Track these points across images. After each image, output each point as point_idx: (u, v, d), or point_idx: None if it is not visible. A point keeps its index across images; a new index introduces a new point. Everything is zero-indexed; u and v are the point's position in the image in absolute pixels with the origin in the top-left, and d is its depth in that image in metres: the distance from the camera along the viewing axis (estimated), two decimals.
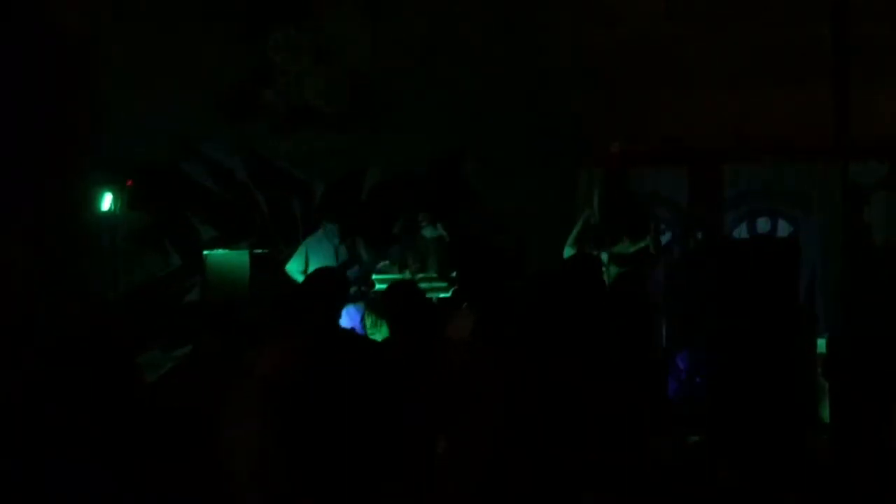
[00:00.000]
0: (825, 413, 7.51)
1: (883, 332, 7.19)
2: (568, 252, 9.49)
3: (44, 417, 4.91)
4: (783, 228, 11.71)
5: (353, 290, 9.87)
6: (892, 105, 11.22)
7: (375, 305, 9.76)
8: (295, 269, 10.67)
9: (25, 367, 5.42)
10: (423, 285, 9.08)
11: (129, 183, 11.63)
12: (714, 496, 6.45)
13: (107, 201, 11.47)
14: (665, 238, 10.54)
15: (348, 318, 9.38)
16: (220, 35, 12.26)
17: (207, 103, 12.25)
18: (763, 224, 11.71)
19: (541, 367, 5.57)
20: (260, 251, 11.40)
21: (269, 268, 11.10)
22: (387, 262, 11.09)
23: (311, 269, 10.09)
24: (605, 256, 9.31)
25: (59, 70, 11.55)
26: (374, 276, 10.77)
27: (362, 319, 9.73)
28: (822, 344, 7.78)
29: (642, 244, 9.17)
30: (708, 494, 6.46)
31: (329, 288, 6.01)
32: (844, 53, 9.21)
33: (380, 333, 7.30)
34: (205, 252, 11.28)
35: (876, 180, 11.24)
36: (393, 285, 6.74)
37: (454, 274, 10.55)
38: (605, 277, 8.37)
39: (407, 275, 10.60)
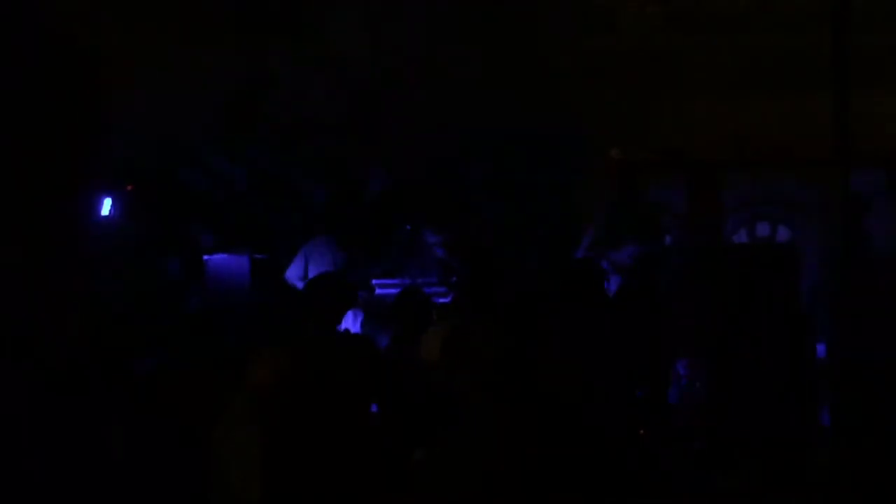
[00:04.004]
0: (825, 419, 7.51)
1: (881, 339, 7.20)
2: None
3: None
4: (783, 234, 11.71)
5: None
6: (892, 113, 11.23)
7: (377, 311, 9.78)
8: (294, 275, 10.66)
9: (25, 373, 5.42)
10: None
11: (129, 188, 11.62)
12: (715, 501, 6.45)
13: (106, 207, 11.46)
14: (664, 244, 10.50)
15: (348, 323, 9.37)
16: (221, 43, 12.26)
17: (208, 111, 12.25)
18: (762, 229, 11.70)
19: (539, 372, 5.56)
20: (260, 256, 11.40)
21: (269, 273, 11.09)
22: (387, 268, 11.08)
23: (310, 275, 10.05)
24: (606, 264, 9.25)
25: (58, 75, 11.54)
26: (373, 282, 10.76)
27: (362, 325, 9.75)
28: (821, 350, 7.79)
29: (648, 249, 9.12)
30: (708, 499, 6.46)
31: (331, 294, 6.02)
32: (844, 61, 9.22)
33: (379, 339, 7.30)
34: (205, 256, 11.29)
35: (876, 188, 11.23)
36: (402, 292, 6.74)
37: (454, 280, 10.54)
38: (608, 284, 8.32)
39: (407, 281, 10.59)
